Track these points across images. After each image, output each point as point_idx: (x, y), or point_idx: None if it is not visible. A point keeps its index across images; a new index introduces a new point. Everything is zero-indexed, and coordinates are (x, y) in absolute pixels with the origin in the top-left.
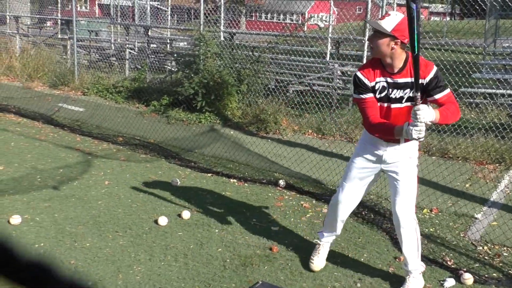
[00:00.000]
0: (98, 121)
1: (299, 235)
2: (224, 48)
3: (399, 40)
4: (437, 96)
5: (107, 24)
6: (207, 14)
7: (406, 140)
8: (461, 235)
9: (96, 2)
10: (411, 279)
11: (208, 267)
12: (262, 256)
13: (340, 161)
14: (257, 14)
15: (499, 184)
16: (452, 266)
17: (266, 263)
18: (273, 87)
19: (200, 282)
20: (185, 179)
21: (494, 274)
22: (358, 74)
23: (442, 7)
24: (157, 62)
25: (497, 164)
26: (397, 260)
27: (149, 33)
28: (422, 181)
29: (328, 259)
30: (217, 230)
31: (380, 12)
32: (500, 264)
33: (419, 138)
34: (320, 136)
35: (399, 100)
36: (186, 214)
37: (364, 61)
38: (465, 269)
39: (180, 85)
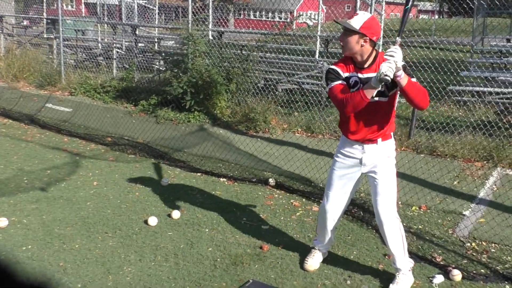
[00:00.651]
0: (85, 121)
1: (289, 234)
2: (212, 47)
3: (368, 37)
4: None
5: (94, 23)
6: (195, 13)
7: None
8: (450, 232)
9: (83, 1)
10: (400, 276)
11: (199, 267)
12: (252, 255)
13: (330, 159)
14: (246, 12)
15: (486, 181)
16: (441, 262)
17: (257, 261)
18: (262, 85)
19: (190, 282)
20: (174, 179)
21: (482, 270)
22: (331, 67)
23: (430, 5)
24: (145, 62)
25: (485, 162)
26: (386, 257)
27: (137, 32)
28: (410, 178)
29: None
30: (207, 230)
31: (369, 10)
32: (488, 260)
33: (386, 74)
34: (309, 134)
35: None
36: (176, 214)
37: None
38: (453, 266)
39: (169, 84)
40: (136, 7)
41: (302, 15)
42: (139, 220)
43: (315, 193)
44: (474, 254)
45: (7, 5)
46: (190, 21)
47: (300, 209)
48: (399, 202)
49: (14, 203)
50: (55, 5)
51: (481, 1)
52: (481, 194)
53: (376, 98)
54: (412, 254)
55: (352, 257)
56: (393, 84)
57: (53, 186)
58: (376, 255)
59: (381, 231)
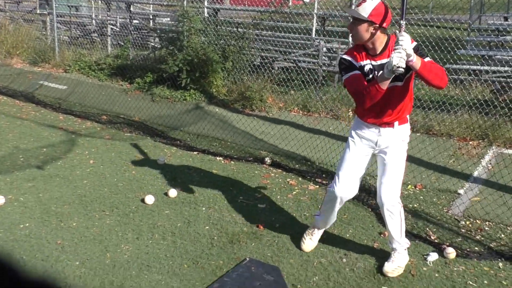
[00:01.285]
0: (81, 99)
1: (286, 212)
2: (208, 24)
3: (378, 25)
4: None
5: None
6: None
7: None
8: (444, 210)
9: None
10: (396, 255)
11: (196, 245)
12: (249, 233)
13: (326, 138)
14: None
15: (481, 160)
16: (435, 240)
17: (253, 240)
18: (258, 64)
19: (188, 260)
20: (171, 157)
21: (476, 248)
22: (344, 56)
23: None
24: (140, 39)
25: (480, 140)
26: (382, 235)
27: (131, 9)
28: (407, 157)
29: None
30: (204, 208)
31: None
32: (482, 238)
33: (398, 66)
34: (305, 113)
35: None
36: (172, 193)
37: (350, 38)
38: (448, 244)
39: (164, 62)
40: None
41: None
42: (136, 199)
43: (311, 172)
44: (468, 232)
45: None
46: None
47: (296, 188)
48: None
49: (10, 181)
50: None
51: None
52: (476, 172)
53: (392, 84)
54: (407, 233)
55: (348, 235)
56: (407, 67)
57: (49, 164)
58: (372, 233)
59: (382, 211)
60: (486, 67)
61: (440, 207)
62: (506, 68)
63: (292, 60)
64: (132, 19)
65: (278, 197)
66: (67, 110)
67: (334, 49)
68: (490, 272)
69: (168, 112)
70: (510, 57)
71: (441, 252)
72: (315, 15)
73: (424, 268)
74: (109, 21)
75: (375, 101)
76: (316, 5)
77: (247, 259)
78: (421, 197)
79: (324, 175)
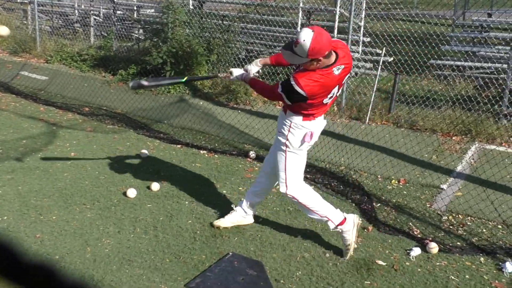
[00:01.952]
0: (62, 90)
1: (269, 207)
2: (193, 16)
3: (320, 58)
4: None
5: None
6: None
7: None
8: (428, 205)
9: None
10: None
11: (178, 239)
12: (232, 227)
13: None
14: None
15: (464, 155)
16: (418, 235)
17: (236, 234)
18: (244, 57)
19: (170, 254)
20: (154, 150)
21: (458, 243)
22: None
23: None
24: (123, 30)
25: (463, 136)
26: (365, 230)
27: None
28: (390, 152)
29: (298, 230)
30: (187, 202)
31: None
32: (464, 233)
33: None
34: None
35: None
36: (155, 186)
37: (335, 32)
38: (430, 238)
39: (148, 54)
40: None
41: None
42: (117, 192)
43: None
44: (450, 227)
45: None
46: None
47: None
48: (379, 176)
49: None
50: None
51: None
52: (459, 168)
53: None
54: (390, 227)
55: (331, 230)
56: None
57: (29, 157)
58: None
59: None
60: (469, 63)
61: (423, 202)
62: (490, 64)
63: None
64: (116, 9)
65: None
66: (48, 101)
67: None
68: (472, 267)
69: (152, 104)
70: (493, 54)
71: (423, 247)
72: (300, 9)
73: (407, 263)
74: (92, 12)
75: None
76: None
77: (230, 253)
78: (405, 191)
79: (308, 169)
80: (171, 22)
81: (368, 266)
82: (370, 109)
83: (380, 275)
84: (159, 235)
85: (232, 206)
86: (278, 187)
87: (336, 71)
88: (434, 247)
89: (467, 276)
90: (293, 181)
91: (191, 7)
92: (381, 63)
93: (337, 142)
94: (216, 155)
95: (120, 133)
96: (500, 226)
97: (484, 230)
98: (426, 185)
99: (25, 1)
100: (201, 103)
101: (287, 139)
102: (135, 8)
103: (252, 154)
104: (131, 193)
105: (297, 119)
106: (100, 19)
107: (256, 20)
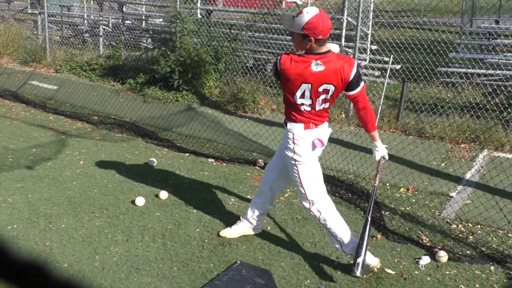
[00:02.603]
0: (71, 99)
1: (277, 215)
2: (201, 25)
3: (311, 38)
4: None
5: None
6: None
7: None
8: (436, 213)
9: None
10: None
11: (186, 248)
12: (240, 235)
13: None
14: None
15: (473, 163)
16: (428, 244)
17: (244, 242)
18: (251, 65)
19: (178, 263)
20: (162, 159)
21: (467, 252)
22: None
23: None
24: (132, 39)
25: (472, 143)
26: (374, 239)
27: (124, 9)
28: (398, 160)
29: (306, 239)
30: (195, 210)
31: None
32: (474, 242)
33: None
34: None
35: None
36: (163, 195)
37: (343, 40)
38: (439, 247)
39: (156, 63)
40: None
41: None
42: (126, 200)
43: None
44: (460, 235)
45: None
46: None
47: (288, 190)
48: (387, 184)
49: None
50: None
51: None
52: (468, 175)
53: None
54: (399, 236)
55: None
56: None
57: (38, 165)
58: None
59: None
60: (478, 70)
61: (432, 210)
62: (498, 71)
63: None
64: (125, 19)
65: None
66: (57, 110)
67: None
68: (482, 276)
69: (160, 113)
70: (501, 60)
71: (433, 255)
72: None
73: (416, 272)
74: (101, 21)
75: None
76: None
77: (238, 262)
78: (413, 199)
79: None
80: (179, 31)
81: (377, 275)
82: (378, 117)
83: (389, 284)
84: (167, 244)
85: (240, 216)
86: (300, 200)
87: (314, 66)
88: (443, 256)
89: (477, 286)
90: (313, 194)
91: (199, 16)
92: (388, 71)
93: (345, 150)
94: (224, 164)
95: (128, 142)
96: (510, 235)
97: (494, 238)
98: (435, 193)
99: (36, 12)
100: (209, 111)
101: (294, 152)
102: (143, 17)
103: (260, 162)
104: (140, 201)
105: (298, 129)
106: (109, 29)
107: (264, 29)
